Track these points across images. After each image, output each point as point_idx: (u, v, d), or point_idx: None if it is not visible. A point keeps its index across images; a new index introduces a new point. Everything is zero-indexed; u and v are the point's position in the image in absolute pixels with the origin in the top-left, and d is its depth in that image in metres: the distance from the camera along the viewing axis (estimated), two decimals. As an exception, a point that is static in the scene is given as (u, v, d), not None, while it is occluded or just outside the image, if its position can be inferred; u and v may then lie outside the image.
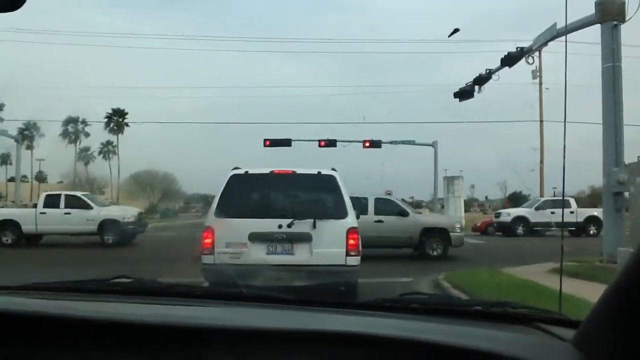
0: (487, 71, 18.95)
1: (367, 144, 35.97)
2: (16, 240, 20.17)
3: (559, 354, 1.31)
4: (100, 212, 20.67)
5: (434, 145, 40.11)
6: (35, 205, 22.05)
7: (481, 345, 1.28)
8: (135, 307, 1.71)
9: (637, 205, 11.00)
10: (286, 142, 34.79)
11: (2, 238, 20.23)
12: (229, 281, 5.92)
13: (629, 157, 12.38)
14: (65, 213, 20.35)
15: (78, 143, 64.96)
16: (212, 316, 1.64)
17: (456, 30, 19.24)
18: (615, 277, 1.07)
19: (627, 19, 12.16)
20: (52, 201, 20.88)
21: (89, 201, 21.33)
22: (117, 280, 2.01)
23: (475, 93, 19.75)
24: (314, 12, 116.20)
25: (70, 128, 63.66)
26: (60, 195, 21.95)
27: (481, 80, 19.32)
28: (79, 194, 23.03)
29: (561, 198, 29.04)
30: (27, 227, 20.20)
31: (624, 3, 12.12)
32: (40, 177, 70.07)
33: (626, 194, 11.92)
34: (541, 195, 34.40)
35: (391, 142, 37.78)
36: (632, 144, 14.26)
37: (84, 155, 66.69)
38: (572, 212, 27.08)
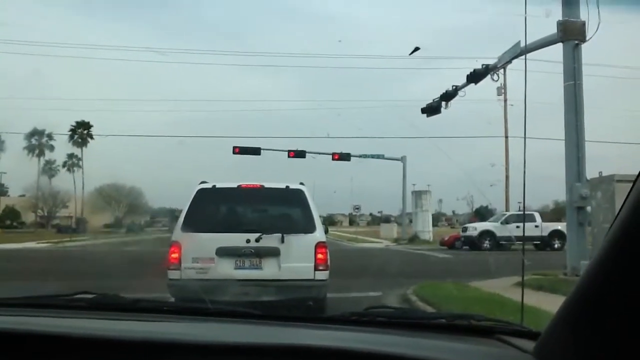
0: (454, 87, 19.26)
1: (337, 157, 36.17)
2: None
3: None
4: None
5: (402, 160, 40.52)
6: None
7: (444, 357, 1.30)
8: (99, 323, 1.68)
9: (599, 219, 11.29)
10: (255, 151, 34.62)
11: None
12: (195, 297, 5.83)
13: (590, 173, 12.75)
14: None
15: (42, 156, 63.60)
16: (177, 331, 1.62)
17: (417, 49, 19.63)
18: (573, 289, 1.10)
19: (587, 38, 12.53)
20: None
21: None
22: (79, 295, 1.97)
23: (442, 109, 20.02)
24: (284, 27, 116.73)
25: (34, 141, 62.36)
26: None
27: (448, 96, 19.58)
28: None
29: (526, 212, 29.64)
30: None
31: (584, 23, 12.49)
32: (1, 191, 68.29)
33: (588, 208, 12.22)
34: (507, 210, 34.96)
35: (360, 156, 38.05)
36: (594, 160, 14.66)
37: (48, 169, 65.20)
38: (536, 226, 27.60)
